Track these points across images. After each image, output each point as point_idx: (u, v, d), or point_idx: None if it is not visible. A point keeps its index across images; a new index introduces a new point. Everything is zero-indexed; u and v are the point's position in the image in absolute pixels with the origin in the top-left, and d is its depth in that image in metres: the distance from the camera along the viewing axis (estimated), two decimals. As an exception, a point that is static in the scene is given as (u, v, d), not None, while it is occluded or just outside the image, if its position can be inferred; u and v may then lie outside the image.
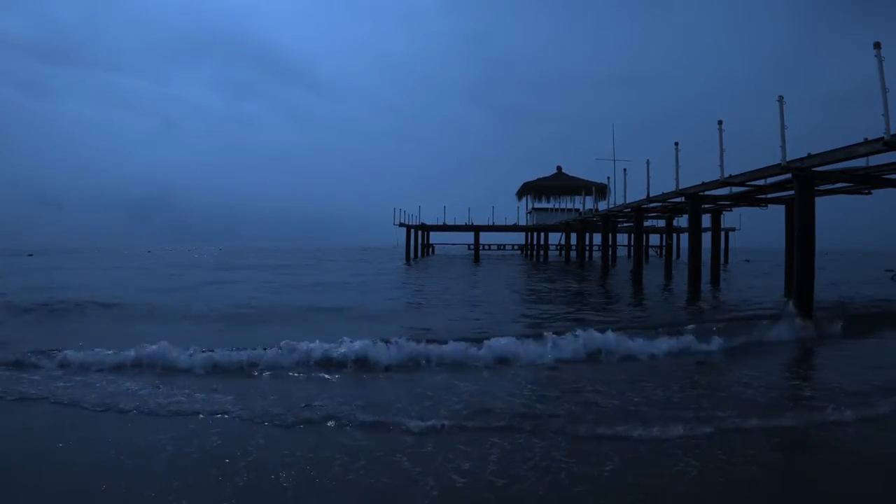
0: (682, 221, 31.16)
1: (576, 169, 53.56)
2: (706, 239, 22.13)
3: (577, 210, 45.37)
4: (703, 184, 16.70)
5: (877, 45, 9.98)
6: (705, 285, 19.69)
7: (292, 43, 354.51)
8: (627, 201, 24.50)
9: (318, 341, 8.43)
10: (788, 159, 12.50)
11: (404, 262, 46.90)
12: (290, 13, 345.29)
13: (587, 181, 45.10)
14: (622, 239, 48.91)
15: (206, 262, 48.93)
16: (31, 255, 54.77)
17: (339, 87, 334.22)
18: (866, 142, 10.50)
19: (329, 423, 5.59)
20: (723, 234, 38.58)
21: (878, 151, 10.64)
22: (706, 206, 20.53)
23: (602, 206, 36.52)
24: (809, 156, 12.11)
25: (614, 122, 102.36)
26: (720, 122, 15.25)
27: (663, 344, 9.45)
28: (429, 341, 8.89)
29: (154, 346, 8.03)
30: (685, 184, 18.00)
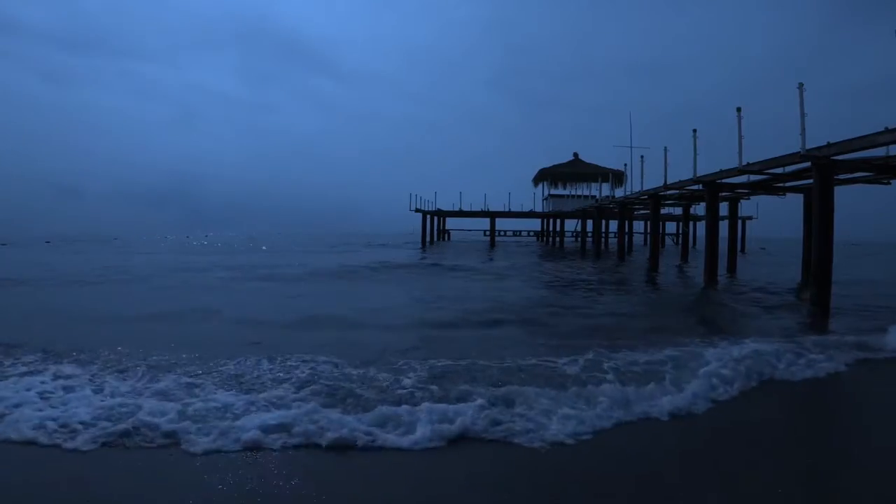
0: (699, 210, 31.03)
1: (595, 157, 53.25)
2: (723, 228, 22.10)
3: (593, 197, 45.24)
4: (721, 171, 16.67)
5: (899, 34, 9.94)
6: (722, 276, 19.64)
7: (315, 31, 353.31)
8: (644, 188, 24.46)
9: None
10: (808, 147, 12.48)
11: (420, 247, 47.16)
12: (313, 1, 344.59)
13: (604, 168, 44.89)
14: (638, 226, 48.76)
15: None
16: (48, 241, 55.45)
17: (361, 75, 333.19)
18: (887, 131, 10.47)
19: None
20: (740, 222, 38.39)
21: (899, 141, 10.62)
22: (723, 193, 20.48)
23: (619, 193, 36.46)
24: (829, 144, 12.07)
25: (636, 111, 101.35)
26: (739, 109, 15.23)
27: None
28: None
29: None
30: (703, 173, 17.97)
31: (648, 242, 35.11)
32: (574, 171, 53.78)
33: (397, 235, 70.46)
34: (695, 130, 18.23)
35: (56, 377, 6.26)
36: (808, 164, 13.18)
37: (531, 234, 69.60)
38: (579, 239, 45.80)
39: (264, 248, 47.30)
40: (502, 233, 62.00)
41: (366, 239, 71.29)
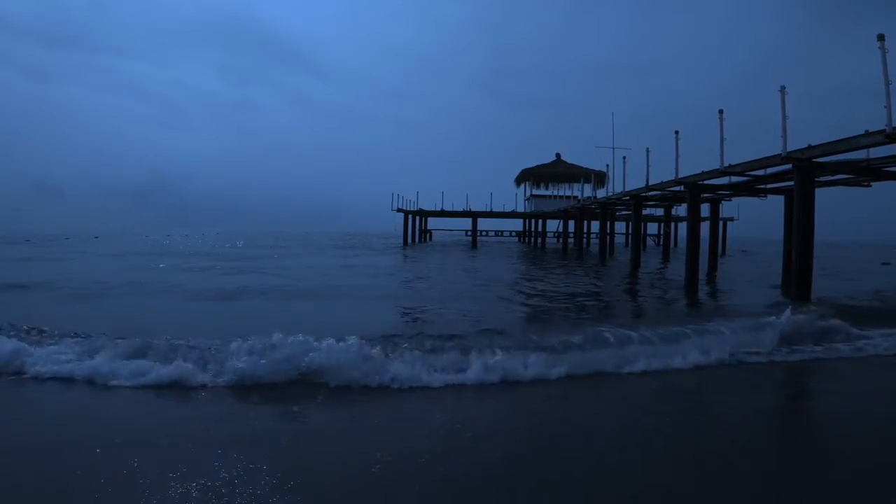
0: (681, 211, 31.14)
1: (579, 158, 53.32)
2: (704, 228, 22.16)
3: (575, 197, 45.30)
4: (703, 173, 16.70)
5: (880, 38, 9.96)
6: (703, 276, 19.65)
7: (299, 29, 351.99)
8: (627, 189, 24.48)
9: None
10: (789, 150, 12.51)
11: (402, 246, 46.90)
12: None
13: (586, 169, 44.95)
14: (620, 227, 48.95)
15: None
16: (28, 240, 54.04)
17: (345, 74, 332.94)
18: (867, 134, 10.53)
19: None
20: (721, 223, 38.65)
21: (880, 144, 10.68)
22: (705, 195, 20.54)
23: (601, 193, 36.51)
24: (810, 146, 12.13)
25: (620, 112, 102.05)
26: (721, 112, 15.25)
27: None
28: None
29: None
30: (686, 174, 17.99)
31: (630, 243, 35.24)
32: (556, 171, 53.87)
33: (380, 235, 70.08)
34: (677, 132, 18.24)
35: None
36: (789, 165, 13.24)
37: (513, 234, 69.58)
38: (561, 239, 45.86)
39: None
40: (484, 233, 61.87)
41: (348, 240, 70.74)
